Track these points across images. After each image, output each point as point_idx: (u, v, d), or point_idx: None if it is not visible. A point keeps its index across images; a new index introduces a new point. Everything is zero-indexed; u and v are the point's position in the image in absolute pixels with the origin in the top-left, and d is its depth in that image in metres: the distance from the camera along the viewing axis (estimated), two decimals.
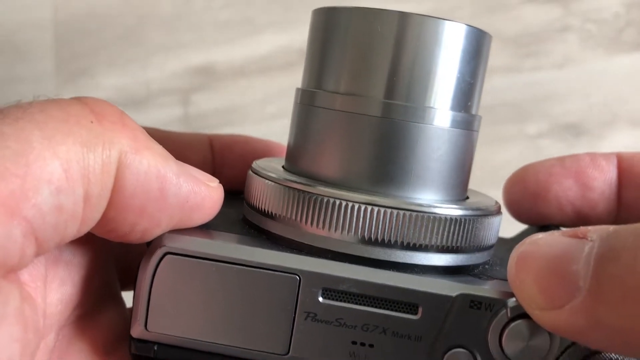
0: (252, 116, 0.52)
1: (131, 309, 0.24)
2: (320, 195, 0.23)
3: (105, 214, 0.22)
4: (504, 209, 0.27)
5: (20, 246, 0.19)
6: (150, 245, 0.24)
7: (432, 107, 0.24)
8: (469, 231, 0.24)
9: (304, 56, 0.27)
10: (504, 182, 0.31)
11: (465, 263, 0.24)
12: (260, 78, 0.51)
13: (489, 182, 0.38)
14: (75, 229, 0.21)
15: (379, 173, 0.24)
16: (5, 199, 0.19)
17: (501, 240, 0.27)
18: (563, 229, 0.25)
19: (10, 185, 0.19)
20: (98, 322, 0.26)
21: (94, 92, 0.44)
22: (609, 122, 0.52)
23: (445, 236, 0.23)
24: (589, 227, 0.20)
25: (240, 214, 0.27)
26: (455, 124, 0.24)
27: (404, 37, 0.24)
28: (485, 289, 0.23)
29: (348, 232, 0.23)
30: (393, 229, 0.23)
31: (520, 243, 0.21)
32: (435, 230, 0.23)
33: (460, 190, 0.26)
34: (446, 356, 0.23)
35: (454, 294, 0.22)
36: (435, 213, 0.23)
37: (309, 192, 0.24)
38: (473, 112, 0.25)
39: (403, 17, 0.24)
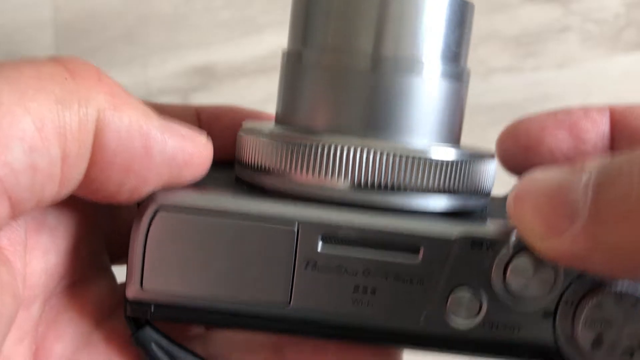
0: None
1: (123, 284, 0.24)
2: (313, 142, 0.23)
3: (88, 174, 0.21)
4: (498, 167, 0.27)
5: None
6: (142, 203, 0.23)
7: (421, 59, 0.24)
8: (466, 174, 0.24)
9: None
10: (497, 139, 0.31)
11: (464, 207, 0.24)
12: (260, 78, 0.51)
13: None
14: (54, 191, 0.20)
15: (371, 123, 0.24)
16: None
17: (494, 198, 0.27)
18: None
19: None
20: (87, 293, 0.25)
21: None
22: None
23: (441, 179, 0.23)
24: (585, 160, 0.20)
25: (231, 178, 0.27)
26: (446, 75, 0.24)
27: None
28: (486, 229, 0.23)
29: (344, 178, 0.23)
30: (390, 173, 0.22)
31: (518, 182, 0.21)
32: (431, 173, 0.23)
33: (453, 138, 0.25)
34: (450, 298, 0.23)
35: (454, 234, 0.22)
36: (430, 156, 0.23)
37: (301, 141, 0.23)
38: (462, 64, 0.25)
39: None
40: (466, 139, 0.27)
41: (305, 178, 0.23)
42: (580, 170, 0.20)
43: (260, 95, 0.51)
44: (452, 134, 0.25)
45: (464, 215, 0.24)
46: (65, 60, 0.21)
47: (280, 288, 0.23)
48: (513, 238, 0.22)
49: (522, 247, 0.22)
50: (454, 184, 0.23)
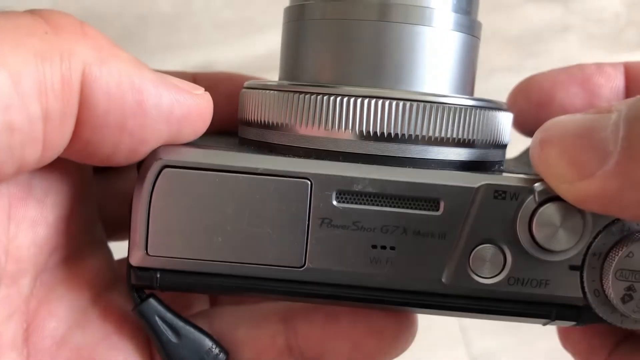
0: None
1: (120, 259, 0.22)
2: (324, 94, 0.22)
3: (78, 135, 0.20)
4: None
5: None
6: (145, 161, 0.21)
7: (431, 7, 0.23)
8: (482, 122, 0.22)
9: None
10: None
11: (482, 158, 0.23)
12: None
13: None
14: (37, 153, 0.19)
15: (381, 74, 0.23)
16: None
17: (507, 160, 0.26)
18: None
19: None
20: (82, 268, 0.24)
21: None
22: None
23: (458, 127, 0.22)
24: (612, 102, 0.19)
25: (235, 141, 0.25)
26: (457, 26, 0.23)
27: None
28: (509, 178, 0.21)
29: (358, 129, 0.21)
30: (406, 122, 0.21)
31: (540, 128, 0.20)
32: (447, 121, 0.22)
33: (467, 90, 0.24)
34: (473, 253, 0.21)
35: (476, 184, 0.21)
36: (446, 103, 0.22)
37: (311, 93, 0.22)
38: (472, 16, 0.24)
39: None
40: None
41: (319, 132, 0.22)
42: (608, 110, 0.19)
43: None
44: (466, 86, 0.24)
45: (483, 167, 0.23)
46: (45, 12, 0.19)
47: (293, 249, 0.21)
48: (539, 186, 0.21)
49: (548, 196, 0.21)
50: (471, 133, 0.22)
